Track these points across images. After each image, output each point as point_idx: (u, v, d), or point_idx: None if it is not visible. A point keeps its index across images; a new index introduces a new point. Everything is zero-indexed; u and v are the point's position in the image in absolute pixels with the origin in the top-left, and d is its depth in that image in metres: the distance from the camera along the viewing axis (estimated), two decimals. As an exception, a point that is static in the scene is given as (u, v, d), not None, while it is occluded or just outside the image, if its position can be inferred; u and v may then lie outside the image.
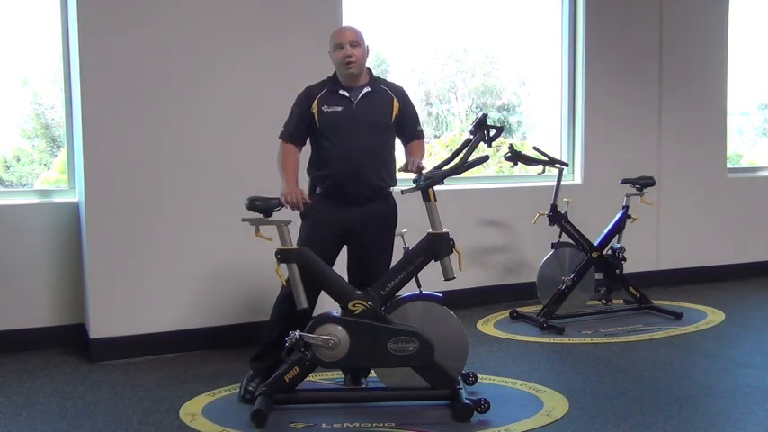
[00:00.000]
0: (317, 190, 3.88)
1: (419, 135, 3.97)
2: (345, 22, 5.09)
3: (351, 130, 3.76)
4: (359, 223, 3.80)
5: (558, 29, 6.30)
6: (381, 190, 3.85)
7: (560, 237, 5.44)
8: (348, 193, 3.77)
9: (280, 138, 3.91)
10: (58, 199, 4.89)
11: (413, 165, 3.74)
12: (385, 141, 3.88)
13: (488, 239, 5.89)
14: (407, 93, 3.99)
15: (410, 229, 3.78)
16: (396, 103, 3.86)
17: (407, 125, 3.93)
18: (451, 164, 3.77)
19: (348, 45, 3.75)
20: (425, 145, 4.17)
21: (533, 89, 6.77)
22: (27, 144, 5.49)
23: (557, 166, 5.45)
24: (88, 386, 4.08)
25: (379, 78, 3.95)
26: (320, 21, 4.95)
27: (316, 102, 3.80)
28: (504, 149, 5.39)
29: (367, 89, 3.82)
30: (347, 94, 3.80)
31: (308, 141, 3.93)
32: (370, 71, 3.91)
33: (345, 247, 3.96)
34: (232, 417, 3.56)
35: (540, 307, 5.40)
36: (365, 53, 3.83)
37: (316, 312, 3.75)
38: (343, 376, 4.06)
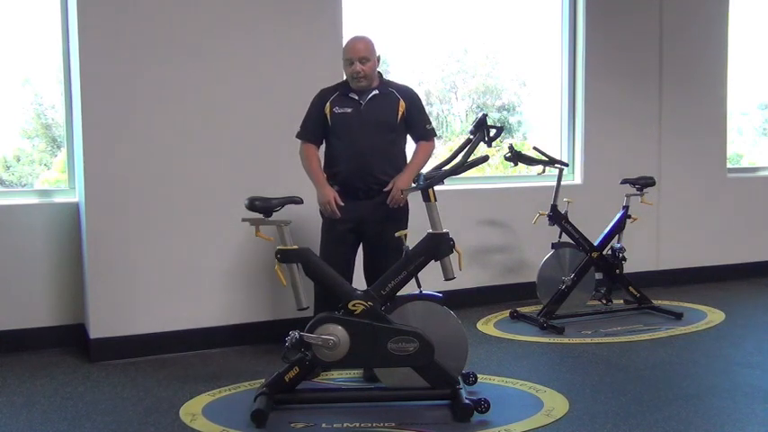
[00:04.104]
0: None
1: (427, 135, 4.21)
2: (346, 23, 5.09)
3: (359, 131, 4.03)
4: (370, 215, 4.05)
5: (558, 29, 6.29)
6: (386, 183, 4.07)
7: (560, 237, 5.44)
8: (357, 188, 4.03)
9: (297, 137, 4.18)
10: (57, 199, 4.88)
11: (393, 187, 4.02)
12: (392, 140, 4.12)
13: (488, 239, 5.89)
14: (416, 93, 4.24)
15: (410, 229, 3.79)
16: (402, 104, 4.11)
17: (414, 124, 4.18)
18: (451, 164, 3.78)
19: (357, 62, 3.99)
20: (434, 146, 4.34)
21: (533, 89, 6.77)
22: (27, 144, 5.49)
23: (557, 166, 5.45)
24: (88, 386, 4.08)
25: (389, 81, 4.21)
26: (321, 21, 4.95)
27: (328, 104, 4.09)
28: (506, 150, 5.39)
29: (375, 92, 4.08)
30: (356, 97, 4.08)
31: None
32: (380, 74, 4.15)
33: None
34: (232, 417, 3.56)
35: (540, 307, 5.40)
36: (375, 65, 4.07)
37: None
38: (347, 376, 4.09)
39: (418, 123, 4.18)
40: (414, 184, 3.76)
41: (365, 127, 4.03)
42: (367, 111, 4.05)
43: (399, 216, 4.11)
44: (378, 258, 4.09)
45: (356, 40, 4.07)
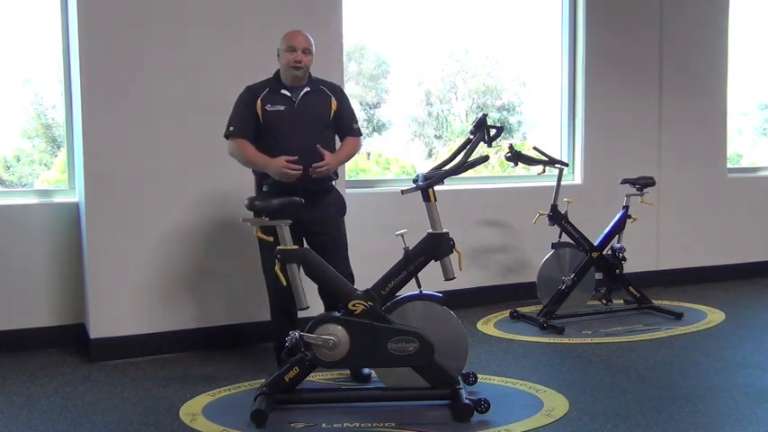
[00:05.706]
0: (264, 188, 4.05)
1: (353, 133, 4.17)
2: (346, 23, 5.10)
3: (293, 129, 3.97)
4: (307, 215, 3.92)
5: (558, 29, 6.30)
6: (324, 183, 4.03)
7: (560, 237, 5.44)
8: (293, 187, 3.89)
9: (226, 136, 4.03)
10: (57, 199, 4.88)
11: (325, 159, 3.90)
12: (324, 137, 4.05)
13: (488, 239, 5.89)
14: (344, 92, 4.24)
15: (410, 229, 3.78)
16: (334, 102, 4.09)
17: (343, 122, 4.14)
18: (451, 164, 3.78)
19: (300, 51, 3.95)
20: (361, 144, 4.31)
21: (533, 89, 6.77)
22: (27, 144, 5.50)
23: (557, 166, 5.45)
24: (88, 386, 4.08)
25: (318, 79, 4.16)
26: (321, 22, 4.95)
27: (259, 101, 3.99)
28: (506, 150, 5.39)
29: (307, 89, 4.03)
30: (289, 94, 4.00)
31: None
32: (309, 73, 4.09)
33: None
34: (232, 417, 3.56)
35: (540, 307, 5.40)
36: (312, 60, 4.04)
37: (315, 312, 3.75)
38: (347, 376, 4.09)
39: (346, 121, 4.13)
40: (413, 185, 3.75)
41: (299, 125, 3.96)
42: (300, 108, 3.98)
43: (336, 213, 4.11)
44: (324, 258, 3.88)
45: (298, 32, 4.00)
